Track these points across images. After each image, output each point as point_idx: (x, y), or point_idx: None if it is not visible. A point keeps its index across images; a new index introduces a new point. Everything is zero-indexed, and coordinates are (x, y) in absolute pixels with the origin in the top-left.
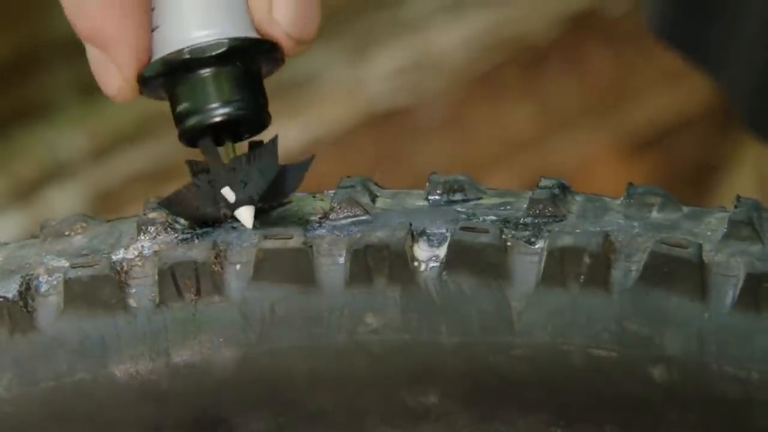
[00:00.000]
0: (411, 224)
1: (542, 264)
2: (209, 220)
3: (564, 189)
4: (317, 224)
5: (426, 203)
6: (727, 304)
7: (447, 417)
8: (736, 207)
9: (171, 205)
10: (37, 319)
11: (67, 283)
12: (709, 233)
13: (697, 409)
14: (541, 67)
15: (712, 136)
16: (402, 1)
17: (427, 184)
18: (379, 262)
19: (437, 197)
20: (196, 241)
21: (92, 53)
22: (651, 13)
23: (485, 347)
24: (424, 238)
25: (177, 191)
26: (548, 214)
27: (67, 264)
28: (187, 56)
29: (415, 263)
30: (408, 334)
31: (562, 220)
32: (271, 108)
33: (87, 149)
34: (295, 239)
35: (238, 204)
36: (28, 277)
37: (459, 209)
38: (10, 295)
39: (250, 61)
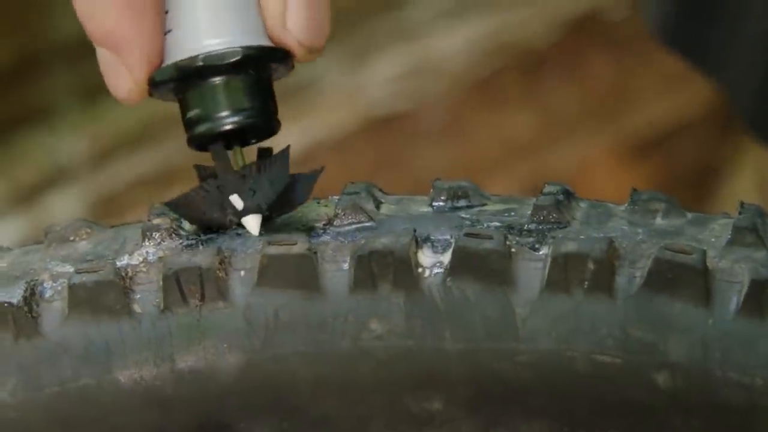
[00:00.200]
0: (415, 230)
1: (546, 270)
2: (215, 225)
3: (568, 195)
4: (321, 230)
5: (430, 209)
6: (731, 310)
7: (451, 423)
8: (740, 213)
9: (177, 207)
10: (42, 325)
11: (72, 288)
12: (713, 239)
13: (701, 416)
14: (541, 71)
15: (713, 140)
16: (402, 6)
17: (431, 190)
18: (384, 269)
19: (441, 203)
20: (201, 247)
21: (103, 55)
22: (652, 16)
23: (489, 353)
24: (429, 244)
25: (184, 194)
26: (552, 220)
27: (71, 270)
28: (201, 63)
29: (420, 269)
30: (412, 340)
31: (566, 227)
32: None
33: (88, 154)
34: (299, 245)
35: (246, 212)
36: (32, 283)
37: (463, 215)
38: (14, 301)
39: (261, 68)
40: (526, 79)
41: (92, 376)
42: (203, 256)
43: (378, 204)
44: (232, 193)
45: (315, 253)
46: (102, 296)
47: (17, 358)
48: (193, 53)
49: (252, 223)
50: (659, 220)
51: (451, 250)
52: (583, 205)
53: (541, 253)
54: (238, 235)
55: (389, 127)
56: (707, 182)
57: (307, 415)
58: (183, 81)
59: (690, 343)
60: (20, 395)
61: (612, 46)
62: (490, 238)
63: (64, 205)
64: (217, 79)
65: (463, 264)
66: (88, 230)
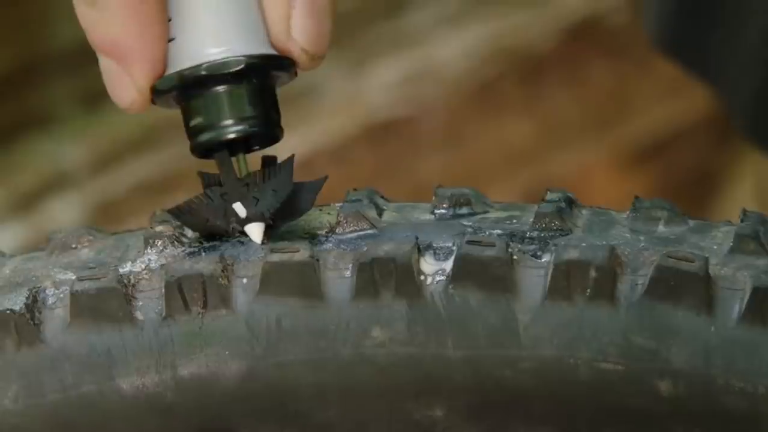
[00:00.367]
0: (417, 238)
1: (548, 278)
2: (218, 232)
3: (570, 202)
4: (324, 238)
5: (432, 217)
6: (733, 317)
7: (453, 430)
8: (742, 221)
9: (180, 214)
10: (44, 332)
11: (74, 295)
12: (715, 247)
13: (703, 423)
14: (540, 78)
15: (712, 146)
16: (402, 12)
17: (434, 197)
18: (386, 276)
19: (443, 211)
20: (203, 254)
21: (106, 64)
22: (650, 24)
23: (491, 360)
24: (431, 251)
25: (188, 201)
26: (554, 227)
27: (74, 277)
28: (204, 73)
29: (422, 277)
30: (414, 347)
31: (568, 234)
32: None
33: (88, 160)
34: (301, 253)
35: (249, 220)
36: (35, 290)
37: (465, 223)
38: (17, 308)
39: (265, 77)
40: (525, 85)
41: (94, 383)
42: (206, 264)
43: (380, 211)
44: (235, 201)
45: (317, 260)
46: (104, 303)
47: (19, 365)
48: (196, 62)
49: (255, 231)
50: (661, 228)
51: (453, 258)
52: (585, 212)
53: (543, 260)
54: (241, 242)
55: (389, 132)
56: (706, 189)
57: (309, 422)
58: (186, 90)
59: (692, 351)
60: (22, 402)
61: (611, 53)
62: (492, 245)
63: (64, 211)
64: (221, 88)
65: (465, 271)
66: (91, 237)
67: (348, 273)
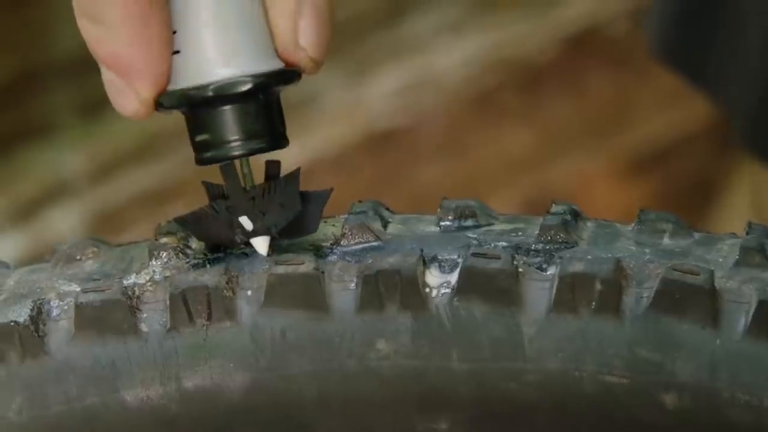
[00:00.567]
0: (422, 250)
1: (554, 290)
2: (223, 243)
3: (575, 215)
4: (329, 250)
5: (437, 229)
6: (738, 330)
7: None
8: (747, 233)
9: (186, 224)
10: (48, 344)
11: (79, 307)
12: (720, 260)
13: None
14: (540, 87)
15: (711, 156)
16: (402, 21)
17: (439, 209)
18: (391, 288)
19: (448, 223)
20: (208, 266)
21: (108, 77)
22: (650, 34)
23: (496, 373)
24: (436, 264)
25: (194, 212)
26: (559, 240)
27: (78, 289)
28: (211, 94)
29: (427, 289)
30: (419, 359)
31: (573, 247)
32: None
33: (88, 169)
34: (306, 265)
35: (255, 234)
36: (39, 302)
37: (470, 235)
38: (21, 320)
39: (272, 92)
40: (525, 94)
41: (98, 395)
42: (210, 276)
43: (385, 223)
44: (241, 215)
45: (322, 272)
46: (109, 315)
47: (23, 377)
48: (203, 79)
49: (261, 244)
50: (666, 240)
51: (458, 270)
52: (590, 225)
53: (548, 273)
54: (245, 254)
55: (389, 141)
56: (705, 197)
57: None
58: (192, 107)
59: (697, 364)
60: (26, 414)
61: (611, 63)
62: (498, 258)
63: (65, 220)
64: (227, 108)
65: (471, 284)
66: (95, 249)
67: (353, 285)
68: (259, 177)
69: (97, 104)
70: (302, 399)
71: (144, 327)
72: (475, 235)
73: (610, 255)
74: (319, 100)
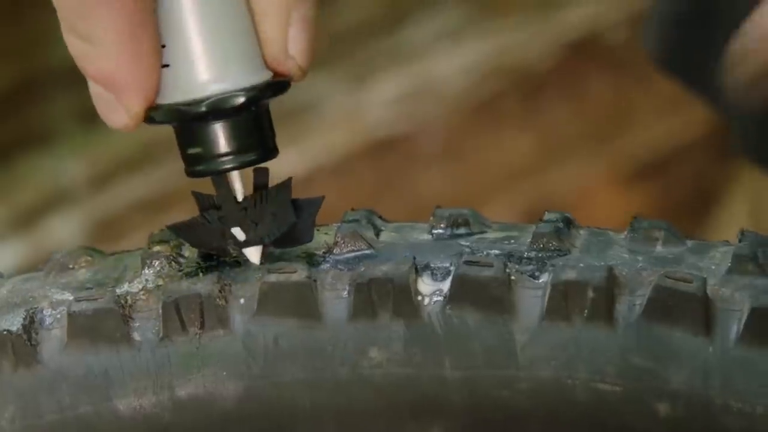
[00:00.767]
0: (415, 258)
1: (546, 298)
2: (216, 252)
3: (568, 223)
4: (321, 258)
5: (430, 237)
6: (731, 338)
7: None
8: (739, 241)
9: (179, 232)
10: (41, 353)
11: (71, 316)
12: (713, 267)
13: None
14: (540, 94)
15: (711, 164)
16: (402, 28)
17: (431, 217)
18: (383, 296)
19: (441, 231)
20: (201, 275)
21: (97, 90)
22: (650, 41)
23: (489, 381)
24: (428, 272)
25: (187, 221)
26: (552, 248)
27: (71, 297)
28: (204, 109)
29: (419, 297)
30: (412, 367)
31: (566, 254)
32: None
33: (87, 177)
34: (299, 273)
35: (248, 244)
36: (32, 311)
37: (463, 243)
38: (14, 329)
39: (262, 104)
40: (525, 101)
41: (91, 404)
42: (203, 284)
43: (378, 231)
44: (234, 226)
45: (314, 281)
46: (101, 324)
47: (16, 386)
48: (193, 95)
49: (253, 253)
50: (659, 248)
51: (450, 278)
52: (582, 232)
53: (540, 281)
54: (238, 263)
55: (389, 148)
56: (704, 205)
57: None
58: (183, 121)
59: (690, 371)
60: (19, 423)
61: (611, 69)
62: (490, 265)
63: (64, 228)
64: (218, 123)
65: (463, 292)
66: (89, 258)
67: (345, 293)
68: (248, 183)
69: (96, 112)
70: (295, 407)
71: (137, 336)
72: (467, 243)
73: (602, 263)
74: (318, 106)
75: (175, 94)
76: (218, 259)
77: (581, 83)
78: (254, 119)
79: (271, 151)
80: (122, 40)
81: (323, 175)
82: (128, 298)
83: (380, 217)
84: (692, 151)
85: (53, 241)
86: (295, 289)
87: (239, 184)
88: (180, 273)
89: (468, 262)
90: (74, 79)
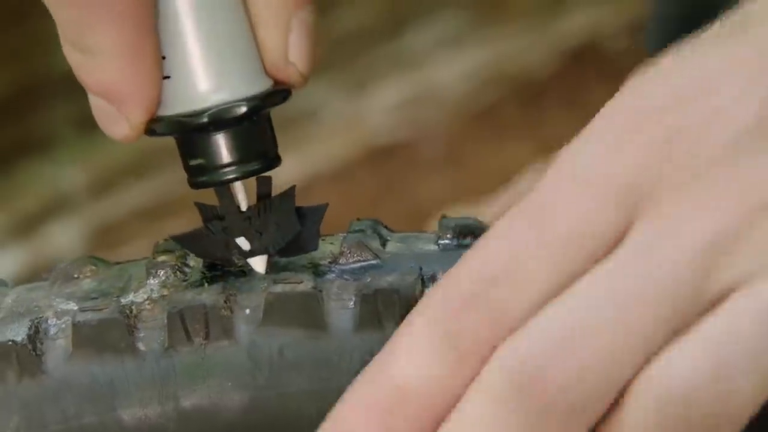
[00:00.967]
0: (421, 269)
1: None
2: (221, 262)
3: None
4: (327, 268)
5: (436, 247)
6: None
7: None
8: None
9: (183, 242)
10: (46, 363)
11: (76, 326)
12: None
13: None
14: (541, 101)
15: None
16: (402, 35)
17: (438, 228)
18: (389, 307)
19: (448, 241)
20: (206, 284)
21: (96, 102)
22: (651, 49)
23: None
24: (435, 282)
25: (191, 232)
26: None
27: (76, 307)
28: (206, 120)
29: None
30: None
31: None
32: None
33: (88, 184)
34: (304, 283)
35: (253, 253)
36: (37, 321)
37: None
38: (19, 339)
39: (263, 113)
40: (526, 108)
41: (96, 414)
42: (208, 294)
43: (384, 242)
44: (238, 236)
45: (320, 291)
46: (106, 334)
47: (21, 396)
48: (195, 105)
49: (259, 263)
50: None
51: None
52: None
53: None
54: (243, 273)
55: (390, 155)
56: None
57: None
58: (185, 133)
59: None
60: None
61: (612, 77)
62: None
63: (64, 235)
64: (220, 133)
65: None
66: (93, 267)
67: (351, 304)
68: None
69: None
70: (301, 418)
71: (142, 346)
72: None
73: None
74: (318, 113)
75: (176, 105)
76: (223, 268)
77: (582, 90)
78: (256, 129)
79: (273, 160)
80: (123, 53)
81: (323, 182)
82: (133, 308)
83: (386, 227)
84: None
85: (53, 248)
86: (300, 299)
87: (242, 194)
88: (185, 283)
89: None
90: (74, 86)
